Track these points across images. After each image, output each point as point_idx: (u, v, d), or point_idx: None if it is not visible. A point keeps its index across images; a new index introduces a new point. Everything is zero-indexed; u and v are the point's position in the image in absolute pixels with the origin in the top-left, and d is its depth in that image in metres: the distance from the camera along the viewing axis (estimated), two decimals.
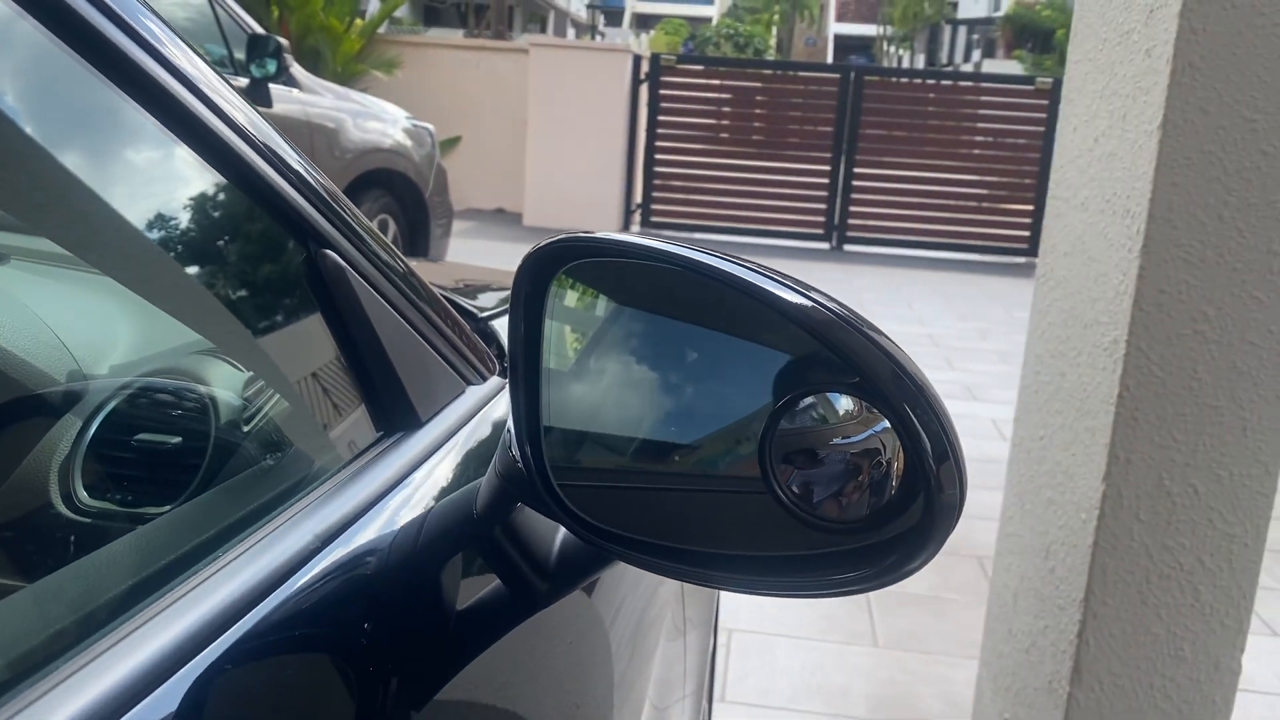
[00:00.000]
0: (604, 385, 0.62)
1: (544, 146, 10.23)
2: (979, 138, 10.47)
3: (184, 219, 0.67)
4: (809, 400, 0.55)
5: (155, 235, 0.66)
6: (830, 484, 0.53)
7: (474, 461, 0.76)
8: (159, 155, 0.63)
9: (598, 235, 0.58)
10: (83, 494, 0.70)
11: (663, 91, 10.34)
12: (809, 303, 0.51)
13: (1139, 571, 1.47)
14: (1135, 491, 1.45)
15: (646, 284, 0.59)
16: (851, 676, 2.56)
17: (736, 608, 2.81)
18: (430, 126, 5.98)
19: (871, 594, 2.97)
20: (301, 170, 0.68)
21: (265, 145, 0.64)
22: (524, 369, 0.61)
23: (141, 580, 0.52)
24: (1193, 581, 1.46)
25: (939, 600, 3.00)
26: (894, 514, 0.52)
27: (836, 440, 0.55)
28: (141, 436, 0.73)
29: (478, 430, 0.81)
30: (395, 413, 0.71)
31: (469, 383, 0.84)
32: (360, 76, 10.30)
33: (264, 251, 0.71)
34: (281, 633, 0.52)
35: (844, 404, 0.56)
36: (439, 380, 0.78)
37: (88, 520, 0.68)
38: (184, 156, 0.62)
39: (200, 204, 0.66)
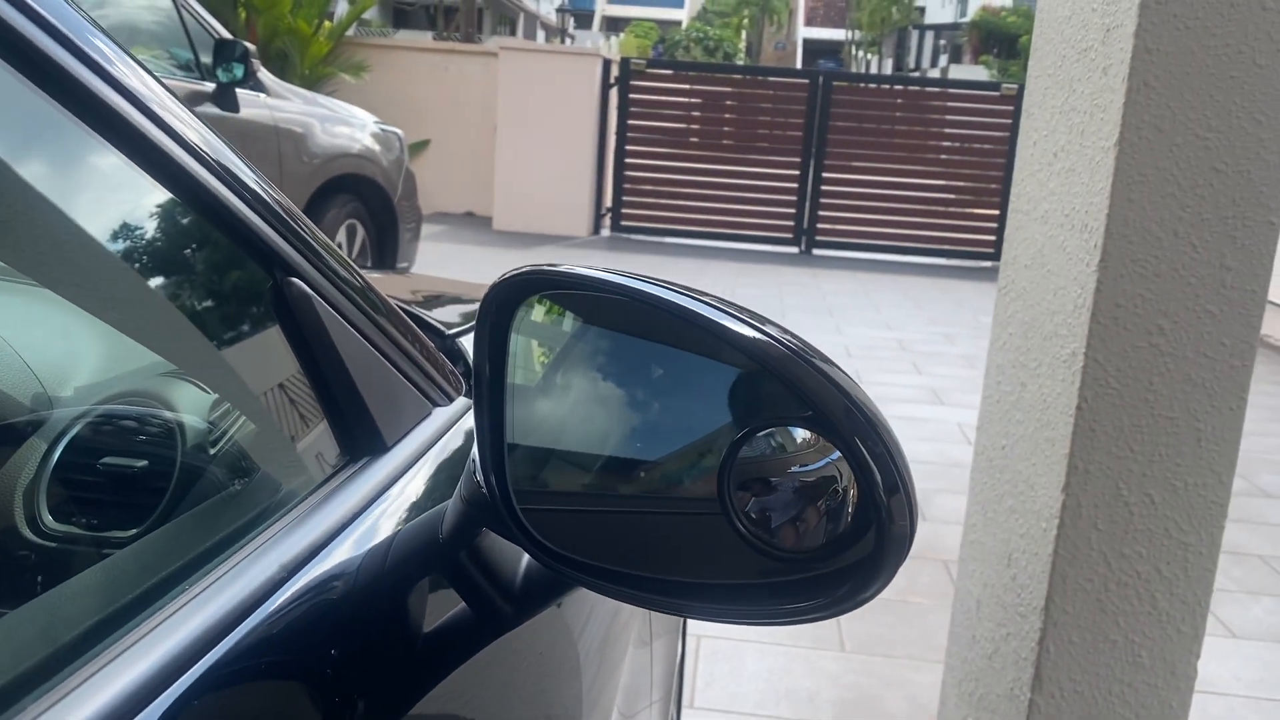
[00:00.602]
0: (567, 407, 0.63)
1: (513, 150, 10.22)
2: (946, 143, 10.58)
3: (150, 245, 0.67)
4: (767, 430, 0.56)
5: (121, 259, 0.66)
6: (786, 511, 0.55)
7: (441, 484, 0.77)
8: (123, 183, 0.63)
9: (562, 269, 0.59)
10: (48, 518, 0.70)
11: (633, 95, 10.36)
12: (763, 337, 0.53)
13: (1097, 579, 1.49)
14: (1094, 501, 1.48)
15: (610, 316, 0.60)
16: (819, 681, 2.58)
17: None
18: (399, 131, 5.96)
19: None
20: (265, 195, 0.68)
21: (227, 171, 0.64)
22: (488, 398, 0.62)
23: (106, 616, 0.52)
24: (1150, 589, 1.49)
25: (905, 604, 3.03)
26: (847, 544, 0.53)
27: (794, 469, 0.56)
28: (107, 460, 0.73)
29: (444, 452, 0.81)
30: (361, 437, 0.72)
31: (435, 404, 0.85)
32: (328, 79, 10.24)
33: (230, 277, 0.72)
34: (250, 663, 0.53)
35: (800, 433, 0.57)
36: (405, 403, 0.79)
37: (53, 545, 0.69)
38: (146, 183, 0.62)
39: (166, 231, 0.67)
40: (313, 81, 9.57)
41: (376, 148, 5.62)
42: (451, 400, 0.89)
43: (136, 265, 0.67)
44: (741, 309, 0.55)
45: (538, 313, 0.64)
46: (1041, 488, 1.57)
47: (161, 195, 0.65)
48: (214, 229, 0.65)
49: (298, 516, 0.63)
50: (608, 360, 0.62)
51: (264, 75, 4.86)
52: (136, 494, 0.72)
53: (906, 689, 2.58)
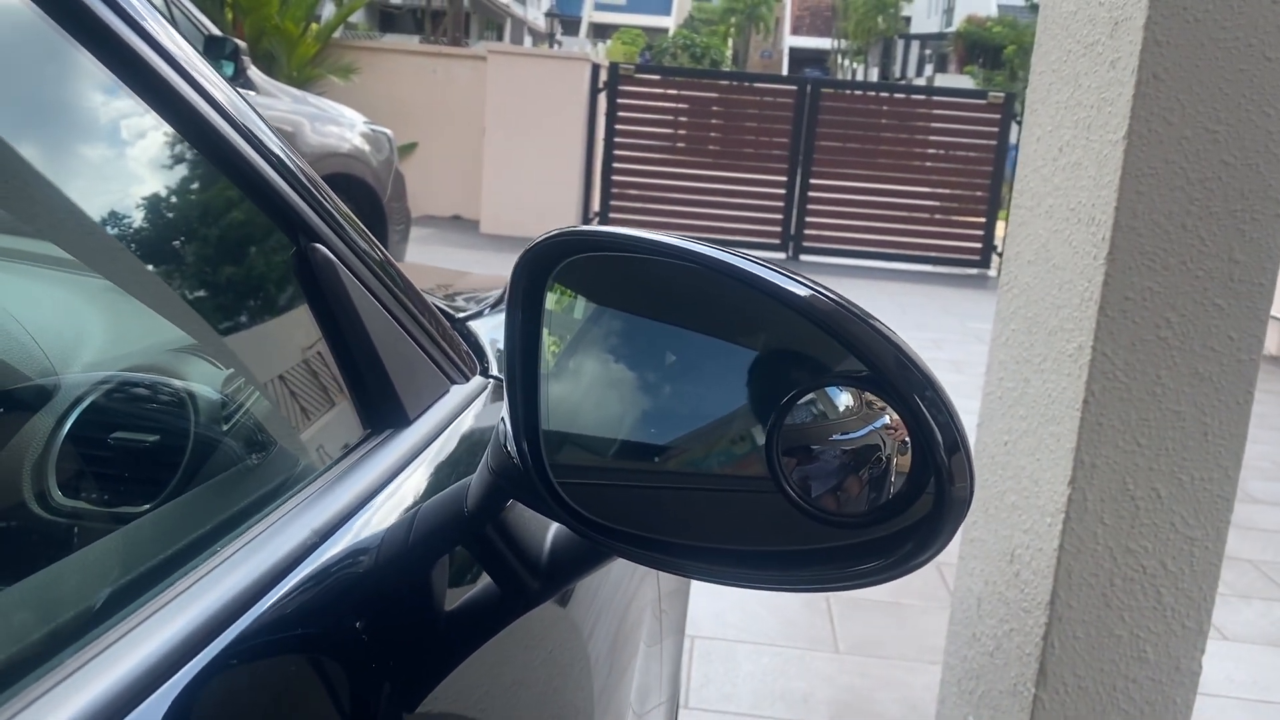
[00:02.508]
0: (602, 385, 0.62)
1: (502, 154, 10.20)
2: (933, 150, 10.61)
3: (166, 210, 0.65)
4: (809, 397, 0.55)
5: (135, 227, 0.65)
6: (836, 477, 0.54)
7: (462, 460, 0.75)
8: (140, 140, 0.61)
9: (597, 229, 0.58)
10: (57, 493, 0.68)
11: (621, 100, 10.36)
12: (814, 293, 0.51)
13: (1103, 574, 1.49)
14: (1099, 495, 1.47)
15: (646, 279, 0.59)
16: (813, 682, 2.57)
17: (699, 614, 2.81)
18: (388, 131, 5.94)
19: (831, 600, 2.99)
20: (290, 163, 0.67)
21: (254, 135, 0.63)
22: (520, 364, 0.61)
23: (128, 582, 0.50)
24: (1155, 584, 1.49)
25: (899, 606, 3.02)
26: (901, 506, 0.52)
27: (837, 435, 0.55)
28: (118, 434, 0.71)
29: (462, 429, 0.80)
30: (383, 409, 0.70)
31: (453, 381, 0.84)
32: (316, 81, 10.20)
33: (249, 245, 0.70)
34: (277, 634, 0.51)
35: (844, 400, 0.56)
36: (425, 378, 0.77)
37: (62, 520, 0.67)
38: (168, 142, 0.61)
39: (184, 195, 0.65)
40: (300, 83, 9.52)
41: (366, 148, 5.59)
42: (468, 379, 0.87)
43: (153, 236, 0.65)
44: (788, 268, 0.54)
45: (567, 302, 0.62)
46: (1046, 483, 1.56)
47: (184, 160, 0.63)
48: (237, 190, 0.63)
49: (324, 485, 0.61)
50: (639, 343, 0.61)
51: (254, 73, 4.84)
52: (149, 468, 0.70)
53: (900, 690, 2.57)
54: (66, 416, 0.71)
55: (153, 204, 0.65)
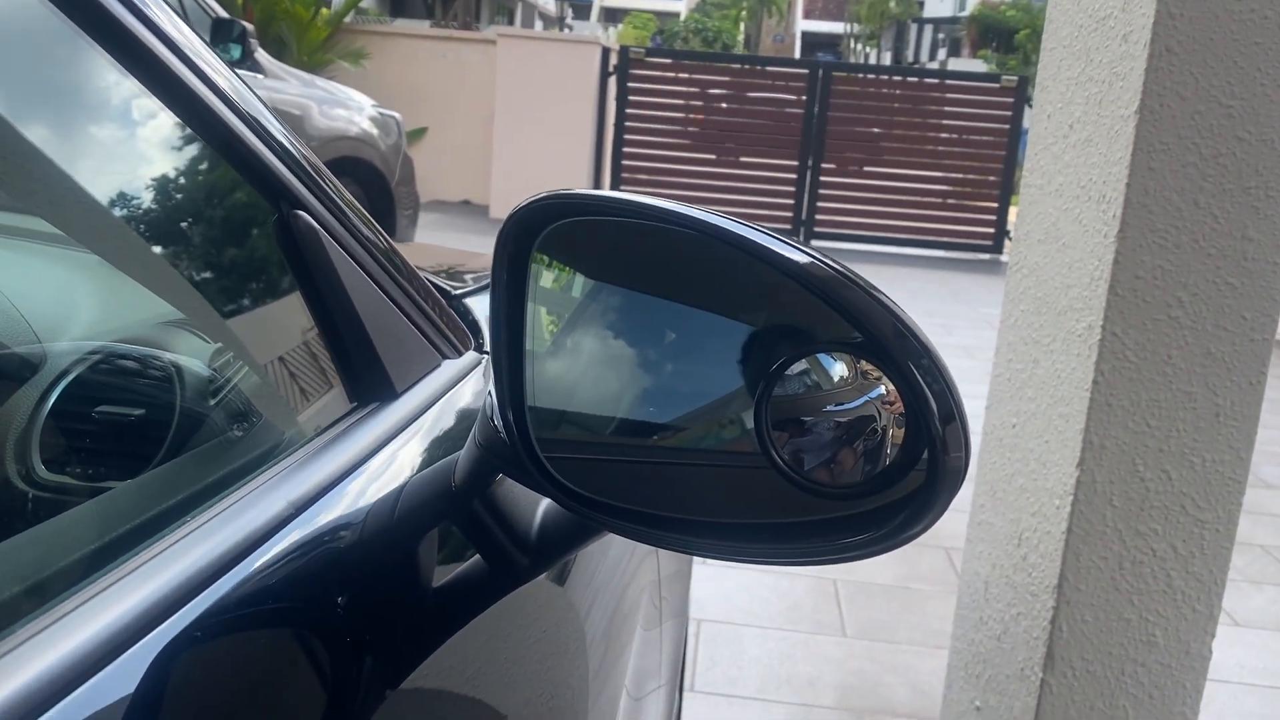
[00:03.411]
0: (589, 358, 0.60)
1: (511, 138, 10.17)
2: (945, 135, 10.54)
3: (144, 177, 0.64)
4: (802, 366, 0.53)
5: (113, 196, 0.63)
6: (829, 450, 0.52)
7: (451, 435, 0.74)
8: (113, 103, 0.60)
9: (586, 192, 0.56)
10: (40, 468, 0.67)
11: (631, 84, 10.31)
12: (810, 259, 0.50)
13: (1112, 557, 1.47)
14: (1109, 477, 1.45)
15: (637, 246, 0.57)
16: (820, 666, 2.56)
17: (705, 597, 2.80)
18: (397, 115, 5.92)
19: (839, 584, 2.98)
20: (271, 127, 0.65)
21: (232, 97, 0.61)
22: (506, 335, 0.59)
23: (100, 547, 0.49)
24: (1165, 567, 1.46)
25: (906, 591, 3.01)
26: (896, 477, 0.51)
27: (831, 406, 0.53)
28: (102, 408, 0.70)
29: (453, 404, 0.78)
30: (370, 382, 0.69)
31: (444, 356, 0.82)
32: (326, 66, 10.18)
33: (232, 214, 0.69)
34: (250, 604, 0.50)
35: (838, 369, 0.54)
36: (414, 351, 0.75)
37: (46, 495, 0.66)
38: (142, 103, 0.59)
39: (162, 161, 0.64)
40: (311, 69, 9.50)
41: (374, 131, 5.58)
42: (460, 354, 0.86)
43: (132, 205, 0.64)
44: (784, 235, 0.52)
45: (551, 277, 0.61)
46: (1054, 465, 1.54)
47: (160, 122, 0.62)
48: (216, 155, 0.61)
49: (304, 457, 0.59)
50: (627, 316, 0.59)
51: (261, 56, 4.82)
52: (133, 443, 0.69)
53: (908, 675, 2.55)
54: (50, 391, 0.70)
55: (130, 172, 0.63)
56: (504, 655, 0.71)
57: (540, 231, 0.58)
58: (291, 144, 0.66)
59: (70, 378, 0.71)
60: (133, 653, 0.42)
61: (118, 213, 0.63)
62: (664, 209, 0.53)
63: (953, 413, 0.48)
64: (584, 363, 0.60)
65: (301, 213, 0.64)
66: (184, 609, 0.45)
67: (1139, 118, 1.37)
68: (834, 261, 0.50)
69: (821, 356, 0.53)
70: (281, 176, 0.63)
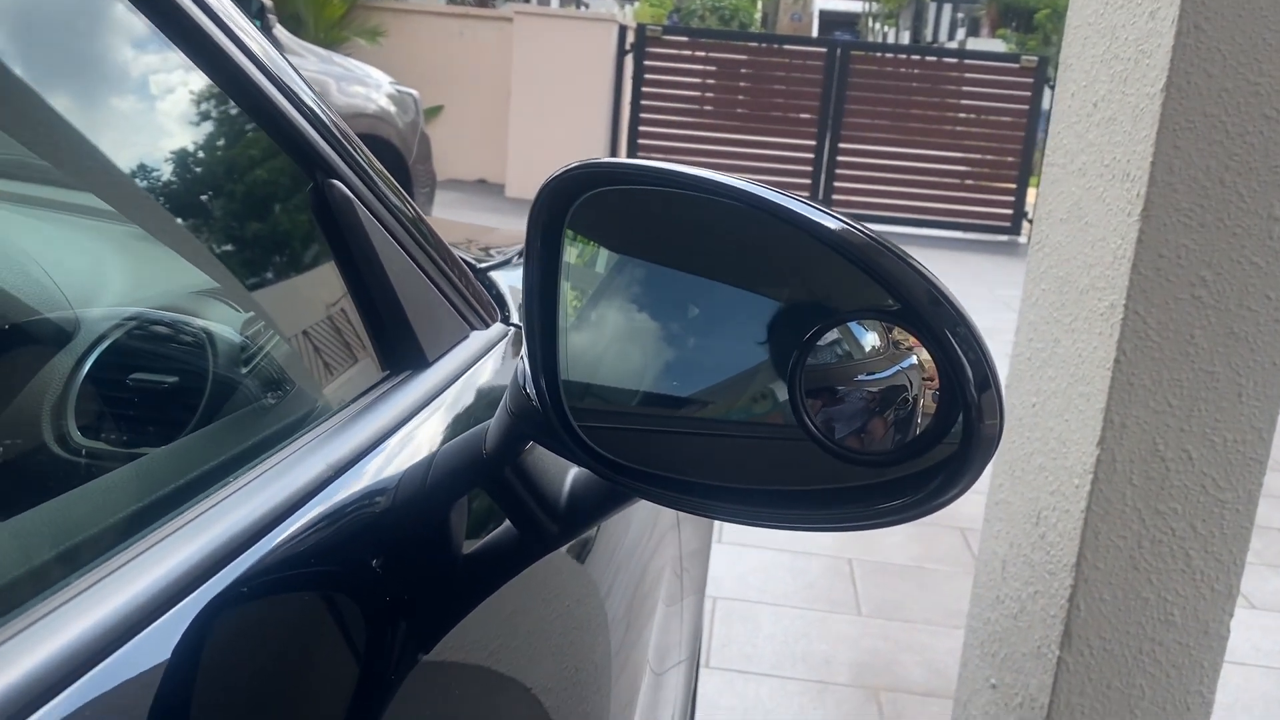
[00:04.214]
0: (621, 330, 0.61)
1: (528, 116, 10.15)
2: (964, 115, 10.46)
3: (178, 146, 0.64)
4: (834, 336, 0.54)
5: (150, 165, 0.64)
6: (861, 418, 0.52)
7: (481, 405, 0.74)
8: (153, 73, 0.60)
9: (619, 160, 0.57)
10: (76, 433, 0.68)
11: (648, 62, 10.27)
12: (846, 227, 0.50)
13: (1131, 536, 1.47)
14: (1129, 456, 1.45)
15: (671, 216, 0.57)
16: (834, 644, 2.57)
17: (721, 575, 2.82)
18: (415, 92, 5.92)
19: (854, 563, 2.98)
20: (308, 99, 0.65)
21: (272, 69, 0.61)
22: (539, 305, 0.59)
23: (139, 510, 0.50)
24: (1184, 547, 1.47)
25: (922, 570, 3.01)
26: (927, 445, 0.51)
27: (863, 376, 0.54)
28: (137, 375, 0.71)
29: (482, 374, 0.79)
30: (402, 351, 0.70)
31: (473, 327, 0.83)
32: (343, 44, 10.17)
33: (267, 184, 0.69)
34: (289, 566, 0.51)
35: (869, 340, 0.55)
36: (445, 322, 0.76)
37: (81, 459, 0.67)
38: (182, 75, 0.60)
39: (200, 132, 0.64)
40: (327, 46, 9.49)
41: (392, 109, 5.57)
42: (488, 325, 0.86)
43: (168, 174, 0.64)
44: (815, 202, 0.52)
45: (573, 253, 0.61)
46: (1074, 444, 1.54)
47: (199, 93, 0.62)
48: (253, 125, 0.62)
49: (341, 423, 0.60)
50: (658, 288, 0.60)
51: (280, 32, 4.82)
52: (167, 409, 0.70)
53: (924, 654, 2.56)
54: (85, 358, 0.71)
55: (163, 142, 0.64)
56: (526, 630, 0.72)
57: (575, 200, 0.58)
58: (325, 114, 0.67)
59: (104, 345, 0.72)
60: (173, 614, 0.43)
61: (150, 182, 0.64)
62: (698, 177, 0.53)
63: (988, 380, 0.49)
64: (615, 334, 0.60)
65: (337, 182, 0.64)
66: (223, 570, 0.45)
67: (1165, 95, 1.36)
68: (866, 228, 0.51)
69: (854, 326, 0.53)
70: (317, 146, 0.64)
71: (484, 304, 0.88)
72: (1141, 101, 1.42)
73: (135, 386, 0.71)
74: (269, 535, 0.49)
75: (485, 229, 1.79)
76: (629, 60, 10.27)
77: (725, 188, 0.52)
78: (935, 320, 0.49)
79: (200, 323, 0.70)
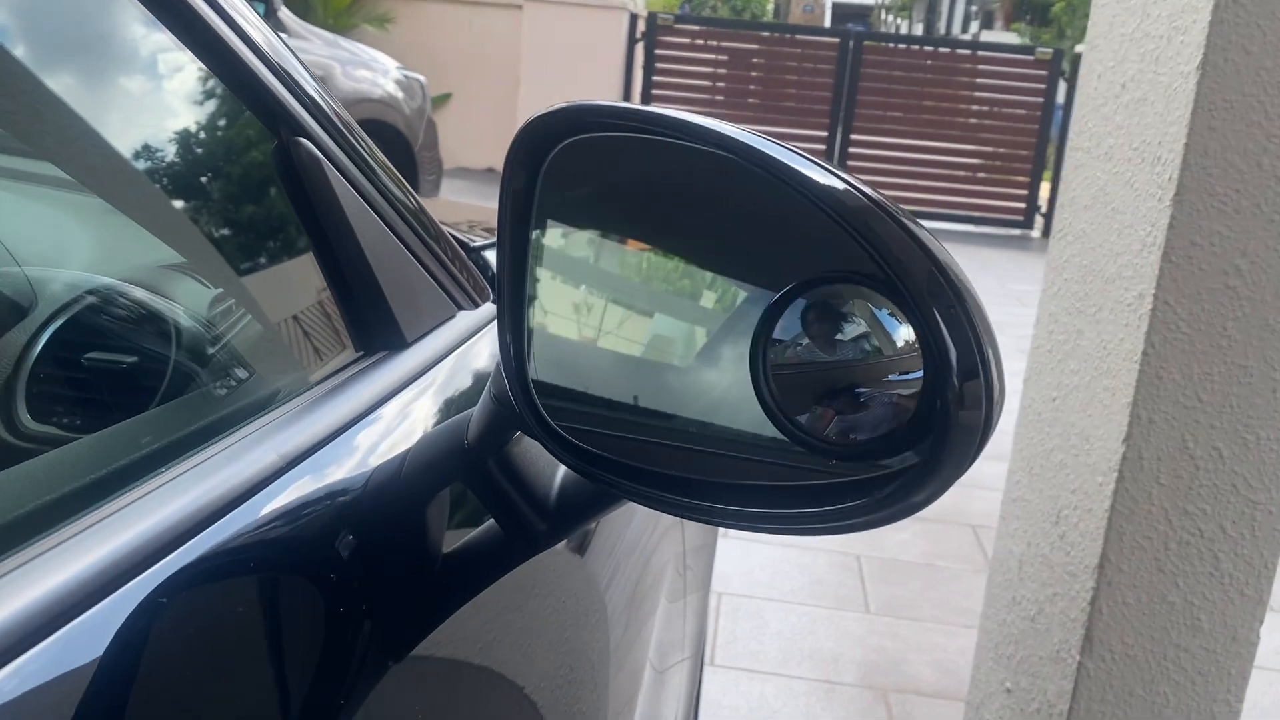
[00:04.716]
0: (599, 295, 0.55)
1: (537, 105, 10.02)
2: (977, 107, 10.36)
3: (132, 105, 0.58)
4: (804, 304, 0.47)
5: (99, 126, 0.58)
6: (824, 400, 0.46)
7: (466, 391, 0.68)
8: (95, 17, 0.54)
9: (604, 103, 0.50)
10: (25, 416, 0.62)
11: (659, 51, 10.19)
12: (841, 185, 0.43)
13: (1157, 537, 1.40)
14: (1156, 454, 1.38)
15: (651, 162, 0.51)
16: (842, 642, 2.50)
17: (727, 571, 2.75)
18: (422, 78, 5.85)
19: (863, 560, 2.92)
20: (270, 45, 0.59)
21: (229, 11, 0.55)
22: (511, 269, 0.53)
23: (75, 490, 0.44)
24: (1213, 549, 1.40)
25: (931, 568, 2.95)
26: (908, 442, 0.44)
27: (829, 353, 0.47)
28: (91, 355, 0.65)
29: (469, 358, 0.73)
30: (377, 330, 0.63)
31: (460, 307, 0.76)
32: (351, 30, 10.10)
33: (229, 144, 0.63)
34: (236, 560, 0.45)
35: (851, 310, 0.48)
36: (426, 299, 0.70)
37: (29, 445, 0.61)
38: (131, 22, 0.53)
39: (152, 85, 0.58)
40: (335, 31, 9.42)
41: (399, 94, 5.51)
42: (477, 305, 0.80)
43: (121, 136, 0.58)
44: (814, 156, 0.46)
45: (552, 236, 0.55)
46: (1098, 440, 1.47)
47: (147, 39, 0.56)
48: (207, 72, 0.56)
49: (301, 406, 0.54)
50: (642, 264, 0.54)
51: (285, 15, 4.76)
52: (123, 391, 0.64)
53: (933, 653, 2.50)
54: (38, 336, 0.65)
55: (113, 99, 0.57)
56: (519, 626, 0.66)
57: (551, 148, 0.52)
58: (294, 66, 0.60)
59: (58, 322, 0.66)
60: (88, 616, 0.37)
61: (101, 145, 0.58)
62: (678, 120, 0.47)
63: (976, 369, 0.42)
64: (586, 325, 0.54)
65: (304, 140, 0.58)
66: (150, 570, 0.39)
67: (1200, 74, 1.29)
68: (867, 188, 0.44)
69: (832, 299, 0.47)
70: (282, 100, 0.57)
71: (475, 282, 0.81)
72: (1174, 81, 1.35)
73: (88, 366, 0.65)
74: (207, 530, 0.43)
75: (491, 210, 1.73)
76: (640, 49, 10.19)
77: (714, 136, 0.46)
78: (923, 297, 0.42)
79: (158, 298, 0.64)
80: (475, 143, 10.62)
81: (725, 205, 0.50)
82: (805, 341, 0.47)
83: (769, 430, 0.48)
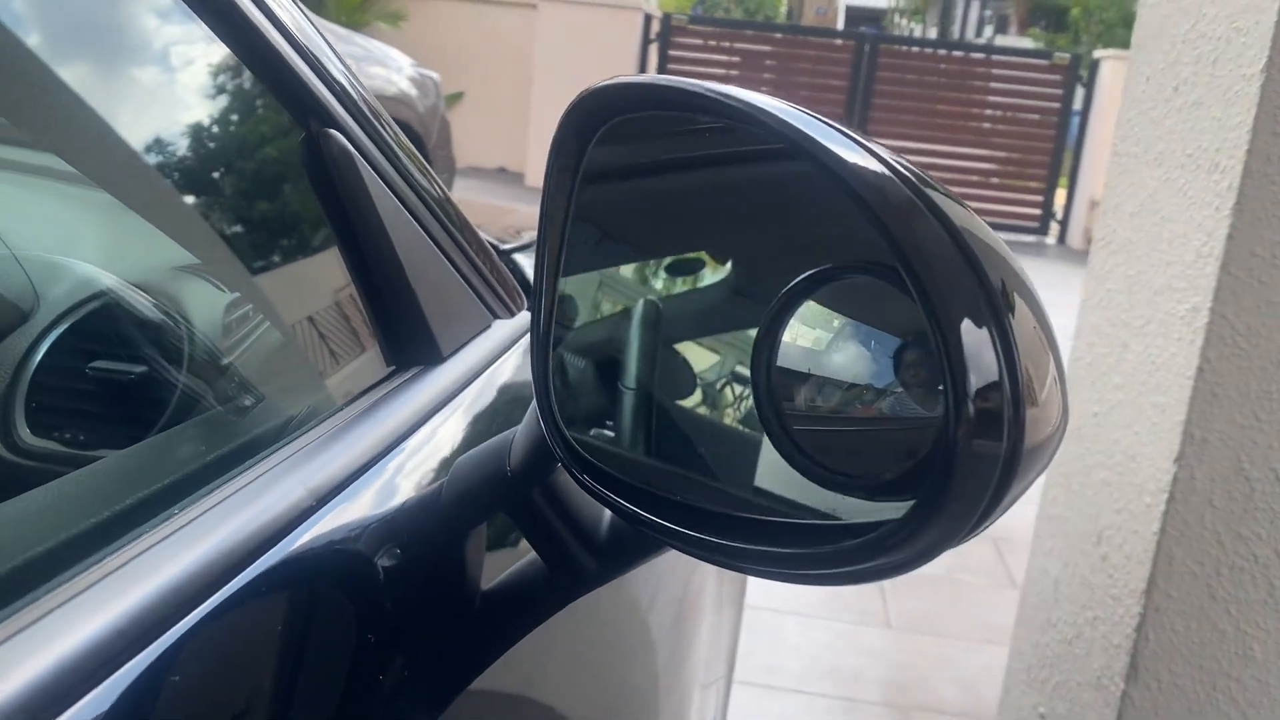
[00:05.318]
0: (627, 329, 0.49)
1: (550, 104, 10.02)
2: (991, 111, 10.28)
3: (153, 95, 0.52)
4: (812, 300, 0.42)
5: (116, 117, 0.52)
6: (837, 427, 0.40)
7: (504, 407, 0.62)
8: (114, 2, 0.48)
9: (666, 80, 0.44)
10: (24, 431, 0.57)
11: (673, 52, 10.13)
12: (885, 170, 0.36)
13: (1209, 562, 1.34)
14: (1210, 474, 1.32)
15: (694, 142, 0.46)
16: (863, 658, 2.44)
17: (748, 583, 2.69)
18: (436, 75, 5.80)
19: None
20: (301, 30, 0.53)
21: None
22: (547, 280, 0.47)
23: (81, 534, 0.38)
24: (1267, 575, 1.33)
25: (953, 582, 2.88)
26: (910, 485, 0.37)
27: (831, 357, 0.42)
28: (98, 364, 0.59)
29: (506, 371, 0.67)
30: (411, 342, 0.57)
31: (496, 316, 0.70)
32: (363, 27, 10.06)
33: (249, 136, 0.57)
34: (268, 610, 0.39)
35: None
36: (464, 308, 0.64)
37: (29, 462, 0.55)
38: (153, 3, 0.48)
39: (164, 67, 0.52)
40: (347, 28, 9.39)
41: (413, 92, 5.45)
42: (513, 314, 0.74)
43: (137, 131, 0.53)
44: (871, 140, 0.40)
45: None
46: (1145, 459, 1.41)
47: (170, 26, 0.51)
48: (232, 59, 0.50)
49: (330, 432, 0.48)
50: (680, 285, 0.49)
51: None
52: (132, 405, 0.58)
53: (957, 671, 2.43)
54: (39, 343, 0.60)
55: (133, 89, 0.52)
56: (562, 654, 0.60)
57: (596, 128, 0.46)
58: (324, 50, 0.54)
59: (62, 329, 0.60)
60: (100, 690, 0.31)
61: (117, 138, 0.52)
62: (734, 101, 0.40)
63: (1009, 394, 0.34)
64: (618, 326, 0.49)
65: (335, 132, 0.52)
66: (181, 623, 0.33)
67: (1265, 76, 1.23)
68: (909, 172, 0.38)
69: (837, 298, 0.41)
70: (312, 88, 0.51)
71: (509, 288, 0.75)
72: (1235, 84, 1.29)
73: (94, 378, 0.59)
74: (233, 581, 0.37)
75: (504, 209, 1.68)
76: (654, 49, 10.13)
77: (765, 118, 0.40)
78: (950, 309, 0.35)
79: (173, 305, 0.58)
80: (487, 142, 10.57)
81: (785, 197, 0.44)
82: (808, 347, 0.42)
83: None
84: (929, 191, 0.36)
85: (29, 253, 0.61)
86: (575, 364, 0.51)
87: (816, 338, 0.42)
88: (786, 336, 0.42)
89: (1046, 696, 1.66)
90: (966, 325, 0.35)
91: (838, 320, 0.42)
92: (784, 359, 0.42)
